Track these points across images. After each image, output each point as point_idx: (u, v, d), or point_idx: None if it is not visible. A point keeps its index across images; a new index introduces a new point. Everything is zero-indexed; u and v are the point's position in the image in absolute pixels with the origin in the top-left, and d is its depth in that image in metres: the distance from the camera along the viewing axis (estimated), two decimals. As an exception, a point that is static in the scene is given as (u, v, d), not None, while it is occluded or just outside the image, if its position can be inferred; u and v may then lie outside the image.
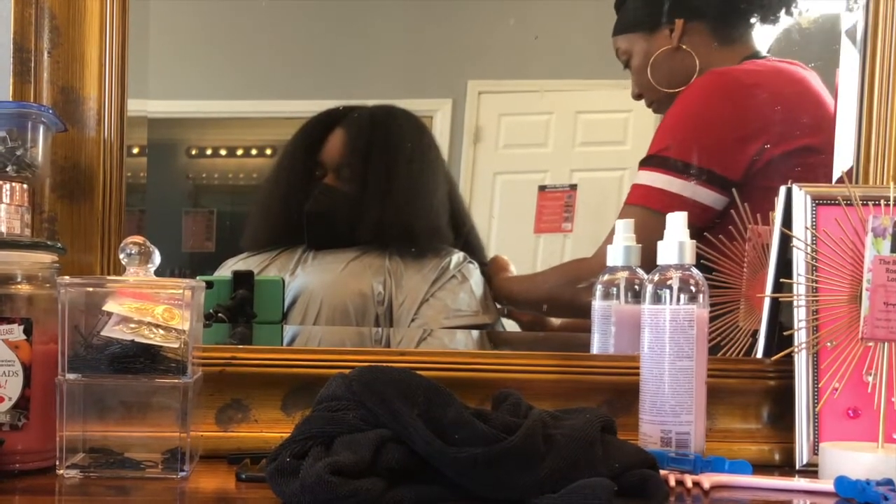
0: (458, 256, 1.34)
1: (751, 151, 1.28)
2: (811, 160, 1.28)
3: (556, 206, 1.33)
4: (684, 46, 1.30)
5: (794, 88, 1.32)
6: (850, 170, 1.22)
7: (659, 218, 1.16)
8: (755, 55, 1.32)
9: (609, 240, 1.21)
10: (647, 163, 1.30)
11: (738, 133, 1.30)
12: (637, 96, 1.32)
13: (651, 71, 1.30)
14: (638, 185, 1.30)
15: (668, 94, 1.30)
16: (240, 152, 1.36)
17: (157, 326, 0.95)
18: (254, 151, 1.36)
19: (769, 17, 1.32)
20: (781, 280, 1.12)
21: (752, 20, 1.32)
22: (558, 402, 1.01)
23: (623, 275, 1.17)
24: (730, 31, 1.32)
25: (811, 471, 1.06)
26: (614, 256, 1.17)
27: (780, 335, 1.13)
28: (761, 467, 1.05)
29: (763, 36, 1.32)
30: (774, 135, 1.29)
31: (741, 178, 1.27)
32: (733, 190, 1.26)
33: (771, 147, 1.28)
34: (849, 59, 1.24)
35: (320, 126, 1.34)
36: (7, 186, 1.02)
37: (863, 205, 1.09)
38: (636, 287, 1.16)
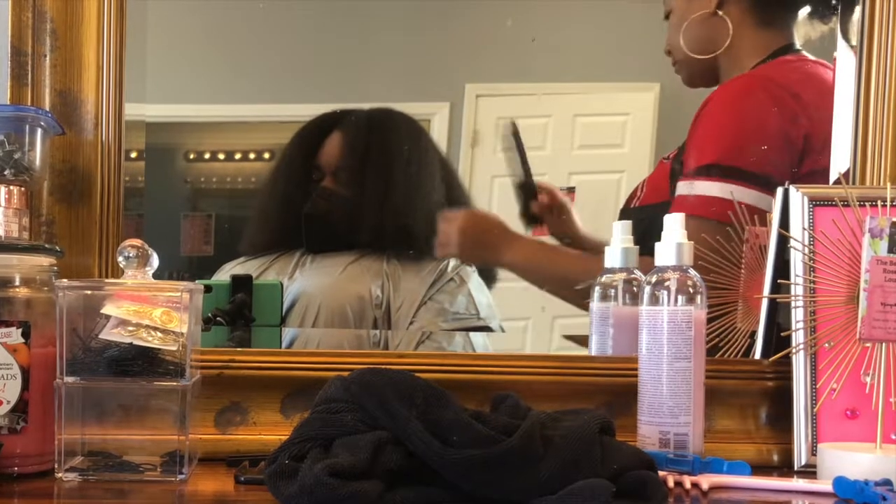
0: (456, 259, 1.34)
1: (795, 157, 1.28)
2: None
3: (555, 208, 1.33)
4: (721, 13, 1.29)
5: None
6: (847, 171, 1.22)
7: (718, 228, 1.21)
8: (789, 47, 1.30)
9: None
10: (713, 172, 1.29)
11: (790, 138, 1.29)
12: (667, 52, 1.31)
13: (684, 32, 1.29)
14: (708, 198, 1.28)
15: (693, 60, 1.30)
16: (238, 156, 1.36)
17: (156, 329, 0.95)
18: (252, 155, 1.36)
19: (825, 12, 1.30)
20: (779, 281, 1.12)
21: (801, 9, 1.30)
22: (557, 404, 1.00)
23: (621, 276, 1.17)
24: (771, 14, 1.30)
25: (810, 471, 1.06)
26: (612, 258, 1.17)
27: (778, 336, 1.13)
28: (760, 468, 1.05)
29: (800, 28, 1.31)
30: (811, 145, 1.28)
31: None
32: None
33: (813, 158, 1.27)
34: (845, 60, 1.24)
35: (318, 129, 1.34)
36: (5, 190, 1.02)
37: (860, 206, 1.09)
38: (634, 289, 1.16)
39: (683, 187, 1.28)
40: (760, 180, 1.26)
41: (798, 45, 1.30)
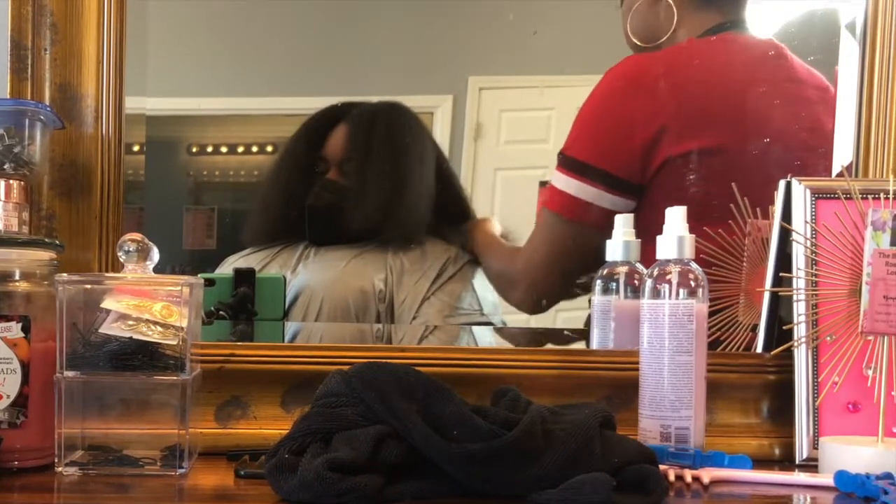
0: (459, 254, 1.34)
1: (646, 150, 1.26)
2: (711, 162, 1.26)
3: (557, 201, 1.32)
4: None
5: (712, 76, 1.29)
6: (850, 163, 1.22)
7: (567, 225, 1.23)
8: (721, 26, 1.29)
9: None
10: (560, 162, 1.29)
11: (632, 131, 1.27)
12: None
13: (630, 20, 1.29)
14: (550, 187, 1.29)
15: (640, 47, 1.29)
16: (241, 149, 1.36)
17: (156, 323, 0.95)
18: (255, 148, 1.36)
19: None
20: (781, 274, 1.12)
21: None
22: (558, 398, 1.01)
23: (622, 270, 1.17)
24: None
25: (811, 465, 1.06)
26: (613, 251, 1.17)
27: (779, 329, 1.13)
28: (761, 462, 1.05)
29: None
30: (672, 132, 1.27)
31: (641, 179, 1.26)
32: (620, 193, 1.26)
33: (669, 145, 1.26)
34: (848, 53, 1.24)
35: (323, 121, 1.34)
36: (4, 184, 1.02)
37: (862, 198, 1.09)
38: (636, 282, 1.15)
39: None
40: (601, 176, 1.26)
41: (739, 21, 1.30)
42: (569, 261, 1.29)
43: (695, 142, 1.26)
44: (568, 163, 1.27)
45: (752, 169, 1.21)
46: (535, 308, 1.32)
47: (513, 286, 1.32)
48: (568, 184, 1.26)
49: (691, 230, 1.03)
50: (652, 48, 1.29)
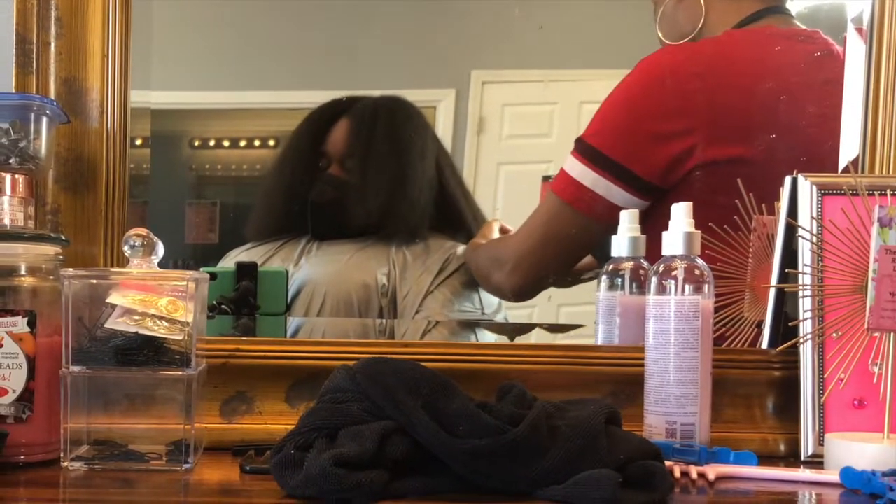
0: (462, 249, 1.34)
1: (672, 152, 1.24)
2: (742, 172, 1.22)
3: (560, 196, 1.32)
4: None
5: (752, 78, 1.26)
6: (856, 159, 1.21)
7: (574, 215, 1.21)
8: (761, 13, 1.27)
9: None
10: (578, 149, 1.26)
11: (660, 129, 1.25)
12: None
13: (659, 21, 1.27)
14: (562, 172, 1.27)
15: None
16: (243, 143, 1.36)
17: (161, 318, 0.95)
18: (257, 143, 1.36)
19: None
20: (787, 270, 1.12)
21: None
22: (563, 394, 1.00)
23: (628, 265, 1.16)
24: None
25: (817, 462, 1.05)
26: (619, 247, 1.17)
27: (785, 326, 1.13)
28: (767, 458, 1.05)
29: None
30: (704, 136, 1.24)
31: (662, 182, 1.24)
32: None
33: (699, 151, 1.23)
34: (855, 47, 1.23)
35: (325, 116, 1.34)
36: (10, 178, 1.01)
37: (869, 194, 1.08)
38: (641, 278, 1.15)
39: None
40: (617, 169, 1.24)
41: (779, 7, 1.28)
42: (565, 250, 1.28)
43: (727, 150, 1.24)
44: (588, 152, 1.25)
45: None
46: (513, 295, 1.31)
47: (499, 266, 1.31)
48: (583, 173, 1.24)
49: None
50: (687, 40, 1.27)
